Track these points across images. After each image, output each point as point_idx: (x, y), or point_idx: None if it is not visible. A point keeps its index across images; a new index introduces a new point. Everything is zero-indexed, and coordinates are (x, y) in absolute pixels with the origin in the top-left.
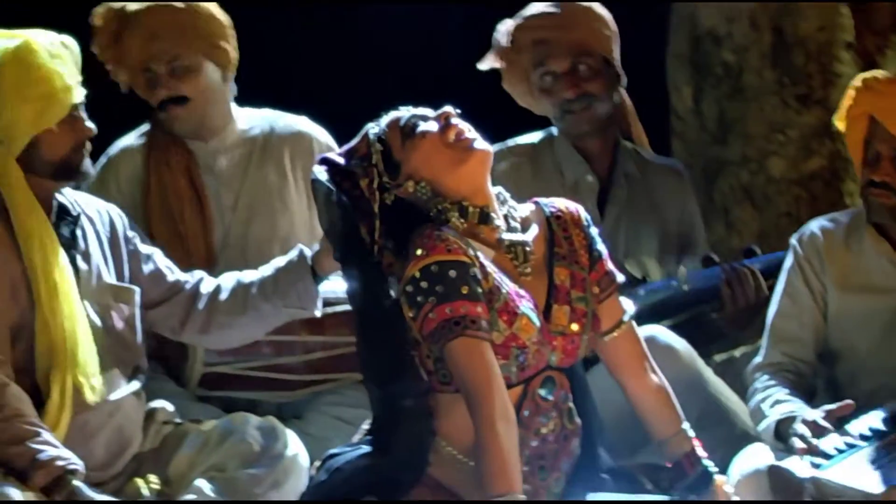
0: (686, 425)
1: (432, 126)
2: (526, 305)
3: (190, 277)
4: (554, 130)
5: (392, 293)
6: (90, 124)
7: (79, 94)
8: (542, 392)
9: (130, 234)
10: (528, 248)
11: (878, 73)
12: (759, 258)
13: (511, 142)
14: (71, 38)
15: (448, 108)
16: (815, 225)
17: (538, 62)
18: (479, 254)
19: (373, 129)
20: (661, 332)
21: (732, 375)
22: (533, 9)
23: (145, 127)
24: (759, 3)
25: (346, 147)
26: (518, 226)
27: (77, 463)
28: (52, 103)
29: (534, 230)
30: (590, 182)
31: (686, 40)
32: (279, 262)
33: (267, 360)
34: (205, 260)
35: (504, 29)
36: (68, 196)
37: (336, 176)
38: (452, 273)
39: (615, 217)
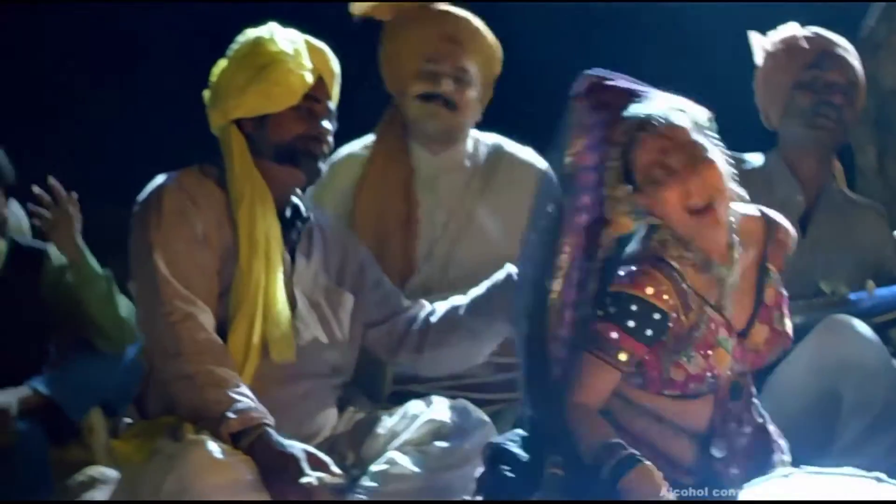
0: None
1: (674, 184)
2: (722, 336)
3: (410, 303)
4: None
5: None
6: (326, 124)
7: (313, 88)
8: (731, 397)
9: (363, 255)
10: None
11: None
12: None
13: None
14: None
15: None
16: None
17: (814, 64)
18: (685, 285)
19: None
20: (856, 320)
21: None
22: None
23: (370, 137)
24: None
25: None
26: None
27: (269, 419)
28: (283, 88)
29: (748, 238)
30: (798, 201)
31: (869, 100)
32: (490, 280)
33: (455, 381)
34: (401, 273)
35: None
36: (306, 201)
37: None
38: (635, 307)
39: (814, 239)
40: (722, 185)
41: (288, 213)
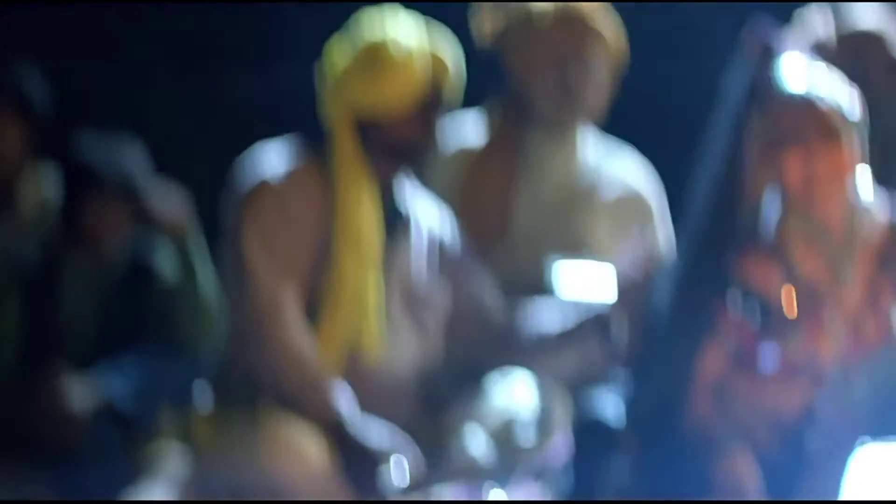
0: None
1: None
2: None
3: (500, 315)
4: None
5: None
6: (439, 130)
7: (431, 95)
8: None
9: (469, 269)
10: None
11: None
12: None
13: None
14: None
15: None
16: None
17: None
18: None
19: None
20: None
21: None
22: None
23: (480, 130)
24: None
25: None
26: None
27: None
28: (401, 95)
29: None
30: None
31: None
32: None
33: None
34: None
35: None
36: (413, 192)
37: None
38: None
39: None
40: (848, 180)
41: (391, 205)
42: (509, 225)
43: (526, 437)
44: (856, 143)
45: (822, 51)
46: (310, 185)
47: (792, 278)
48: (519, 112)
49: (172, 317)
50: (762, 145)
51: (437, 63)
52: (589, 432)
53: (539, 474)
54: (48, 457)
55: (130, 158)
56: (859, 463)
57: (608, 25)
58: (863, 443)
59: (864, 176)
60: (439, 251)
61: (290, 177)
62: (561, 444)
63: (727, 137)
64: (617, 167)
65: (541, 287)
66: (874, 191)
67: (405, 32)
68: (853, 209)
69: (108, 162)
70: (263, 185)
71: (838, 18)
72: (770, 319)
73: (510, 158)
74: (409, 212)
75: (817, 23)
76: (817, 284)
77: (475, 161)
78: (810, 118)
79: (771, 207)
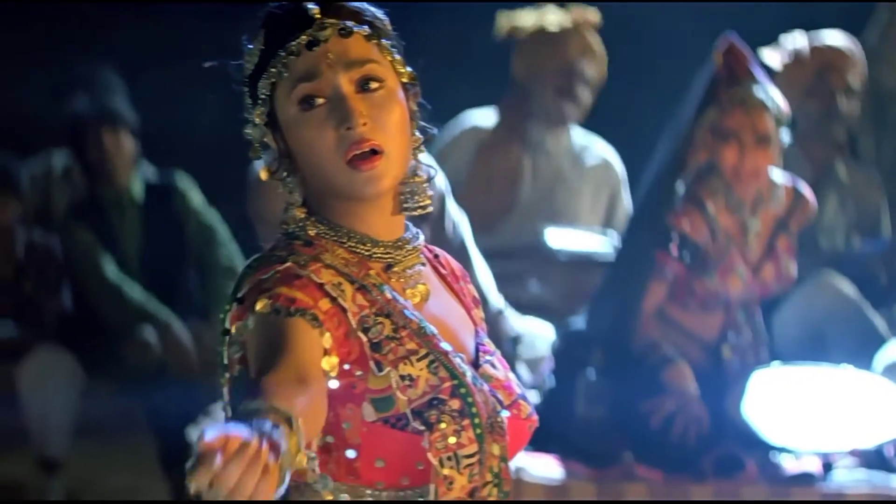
0: None
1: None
2: (739, 267)
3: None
4: None
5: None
6: None
7: None
8: (739, 314)
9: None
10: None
11: None
12: None
13: None
14: None
15: None
16: None
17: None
18: (715, 224)
19: None
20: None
21: None
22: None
23: (490, 113)
24: None
25: None
26: None
27: None
28: None
29: (777, 201)
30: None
31: (870, 99)
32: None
33: None
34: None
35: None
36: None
37: None
38: (679, 237)
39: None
40: (766, 171)
41: None
42: (517, 199)
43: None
44: (780, 145)
45: (792, 62)
46: None
47: (712, 228)
48: (524, 106)
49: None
50: (709, 132)
51: None
52: (565, 351)
53: (537, 385)
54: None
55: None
56: (760, 381)
57: (598, 42)
58: (768, 365)
59: (778, 166)
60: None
61: None
62: (548, 359)
63: (683, 123)
64: (594, 149)
65: (539, 250)
66: (783, 174)
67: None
68: (766, 187)
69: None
70: None
71: (812, 37)
72: (696, 259)
73: (516, 145)
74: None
75: (794, 40)
76: (729, 235)
77: (486, 145)
78: (750, 124)
79: (703, 173)
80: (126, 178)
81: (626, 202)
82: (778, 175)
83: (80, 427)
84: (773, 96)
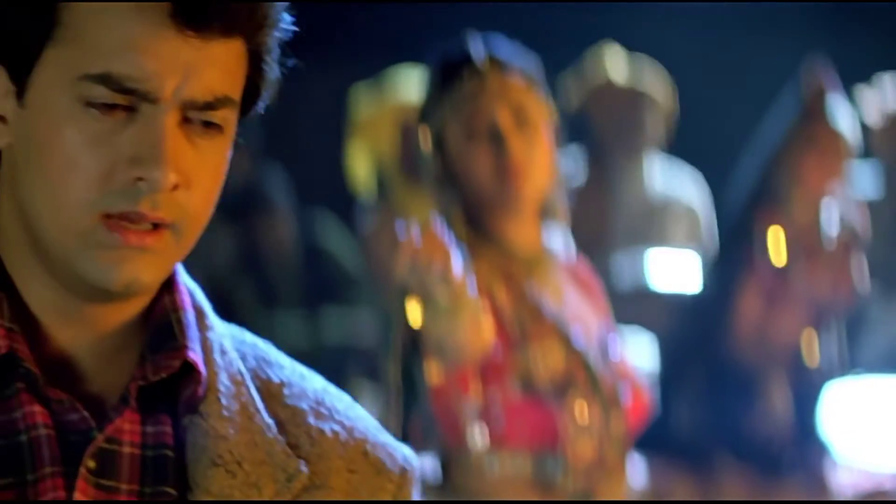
0: None
1: None
2: None
3: None
4: None
5: None
6: None
7: None
8: None
9: None
10: None
11: None
12: None
13: None
14: None
15: None
16: None
17: None
18: None
19: None
20: None
21: None
22: None
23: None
24: None
25: None
26: None
27: None
28: None
29: None
30: None
31: None
32: None
33: None
34: None
35: None
36: None
37: None
38: None
39: None
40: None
41: None
42: (609, 233)
43: None
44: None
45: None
46: None
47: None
48: (601, 150)
49: None
50: (799, 155)
51: None
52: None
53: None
54: None
55: None
56: (840, 391)
57: (660, 89)
58: (853, 374)
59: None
60: None
61: None
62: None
63: (770, 144)
64: (673, 182)
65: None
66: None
67: None
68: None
69: None
70: None
71: None
72: (783, 269)
73: (604, 185)
74: None
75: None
76: (809, 240)
77: (580, 191)
78: (837, 153)
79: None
80: None
81: (707, 224)
82: (851, 193)
83: None
84: (853, 126)
